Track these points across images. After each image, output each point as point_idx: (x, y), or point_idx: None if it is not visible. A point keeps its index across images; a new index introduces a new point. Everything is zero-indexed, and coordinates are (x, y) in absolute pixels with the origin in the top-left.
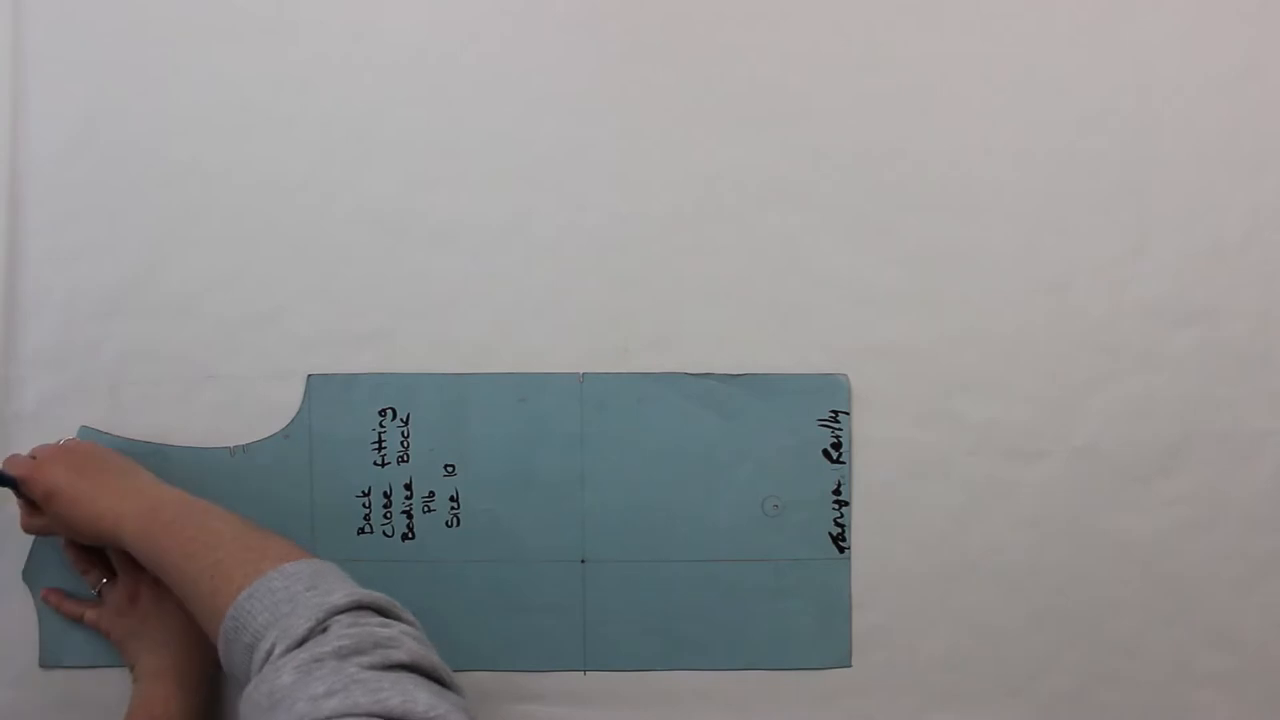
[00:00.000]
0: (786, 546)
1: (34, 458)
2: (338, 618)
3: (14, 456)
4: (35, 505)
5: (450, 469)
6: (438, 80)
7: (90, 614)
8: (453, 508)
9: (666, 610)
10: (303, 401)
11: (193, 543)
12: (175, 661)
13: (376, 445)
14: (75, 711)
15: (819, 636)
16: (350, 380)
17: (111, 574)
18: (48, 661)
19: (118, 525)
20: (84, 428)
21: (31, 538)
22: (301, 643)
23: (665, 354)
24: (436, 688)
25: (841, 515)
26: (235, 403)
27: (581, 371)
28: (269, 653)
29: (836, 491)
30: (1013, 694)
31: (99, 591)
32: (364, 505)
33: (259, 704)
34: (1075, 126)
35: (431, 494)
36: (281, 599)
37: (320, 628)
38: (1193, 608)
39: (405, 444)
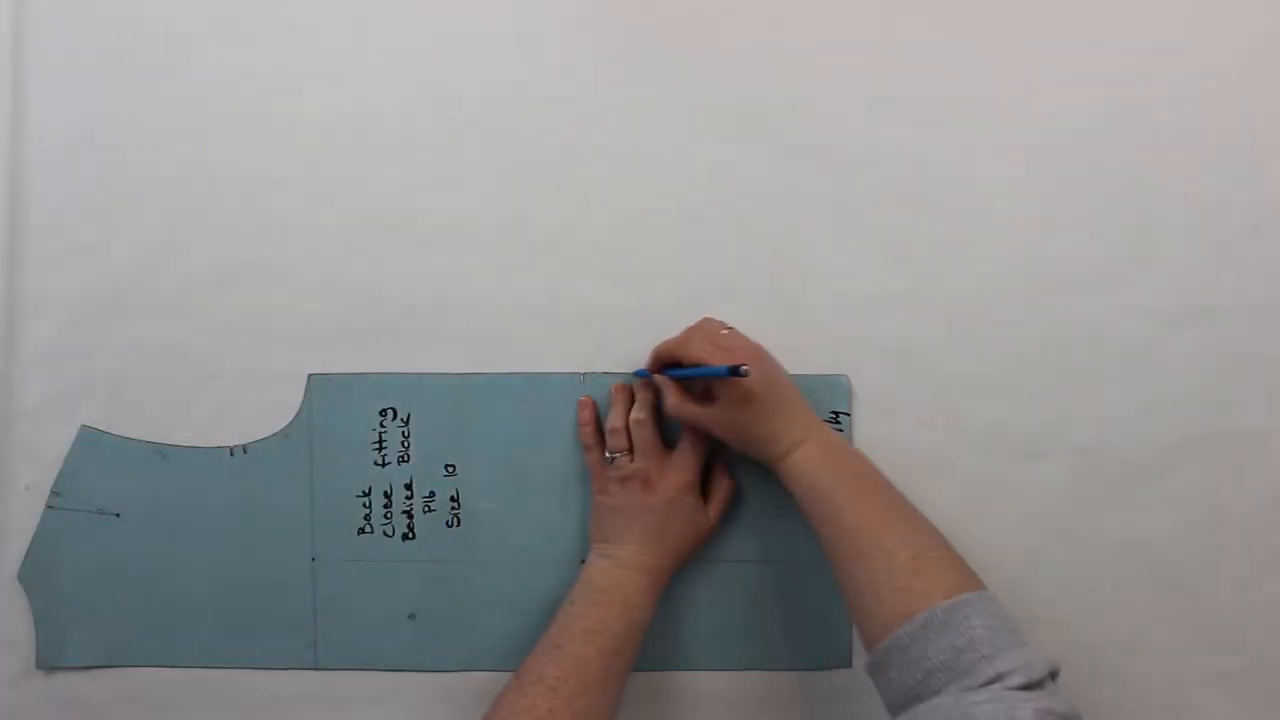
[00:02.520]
0: (786, 547)
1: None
2: (1053, 680)
3: (727, 333)
4: (704, 395)
5: (451, 469)
6: (438, 80)
7: (599, 464)
8: (453, 508)
9: (667, 610)
10: (303, 401)
11: (879, 502)
12: (659, 563)
13: (377, 445)
14: (71, 712)
15: (819, 636)
16: (350, 380)
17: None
18: (44, 662)
19: (791, 450)
20: (84, 427)
21: (29, 537)
22: (1035, 686)
23: None
24: None
25: None
26: (235, 403)
27: (581, 371)
28: (1000, 675)
29: None
30: None
31: (613, 459)
32: (364, 505)
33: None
34: (1075, 126)
35: (432, 494)
36: (1001, 627)
37: (1049, 681)
38: (1193, 608)
39: (406, 444)
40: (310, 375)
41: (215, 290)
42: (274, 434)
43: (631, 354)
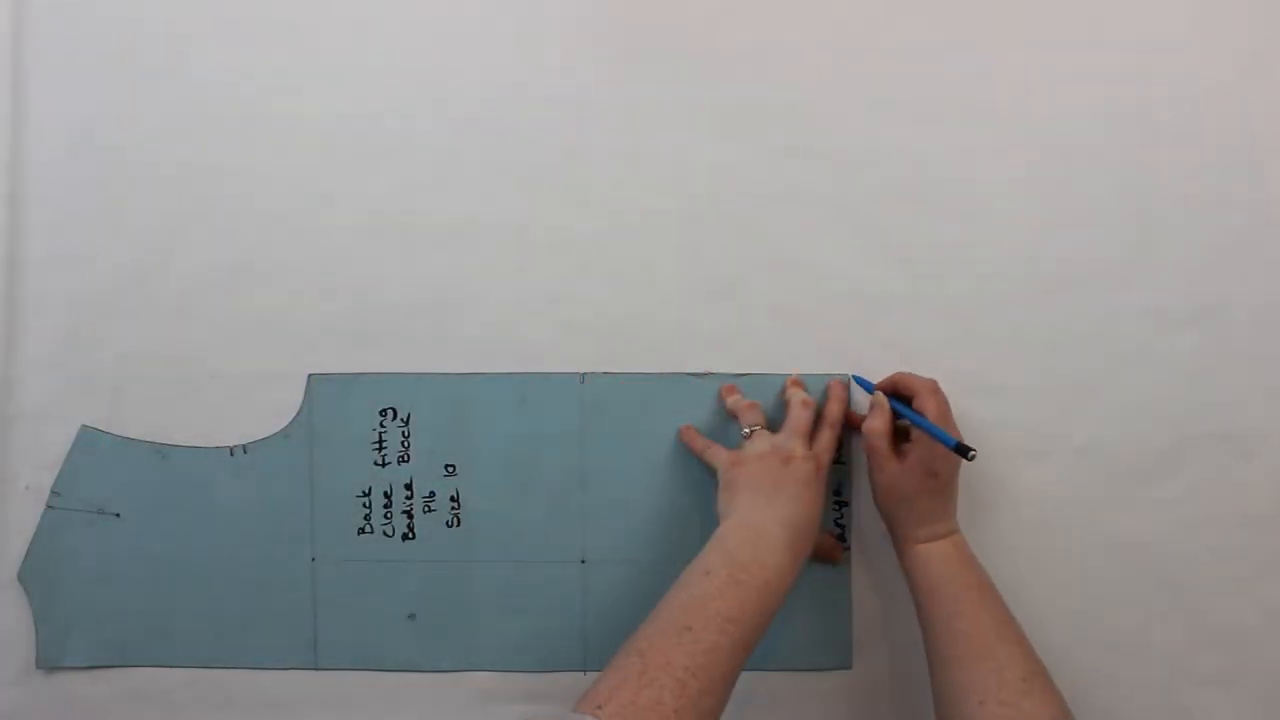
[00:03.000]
0: None
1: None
2: None
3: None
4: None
5: (451, 469)
6: (438, 80)
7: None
8: (453, 508)
9: None
10: (303, 401)
11: (998, 616)
12: (801, 544)
13: (377, 445)
14: (71, 712)
15: (819, 636)
16: (350, 380)
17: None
18: (44, 662)
19: (931, 539)
20: (84, 427)
21: (29, 537)
22: None
23: (665, 354)
24: None
25: (842, 516)
26: (235, 403)
27: (582, 371)
28: None
29: (837, 492)
30: None
31: (751, 431)
32: (364, 505)
33: None
34: (1075, 126)
35: (432, 494)
36: None
37: None
38: (1193, 608)
39: (406, 444)
40: (310, 375)
41: (215, 290)
42: (274, 434)
43: (631, 355)
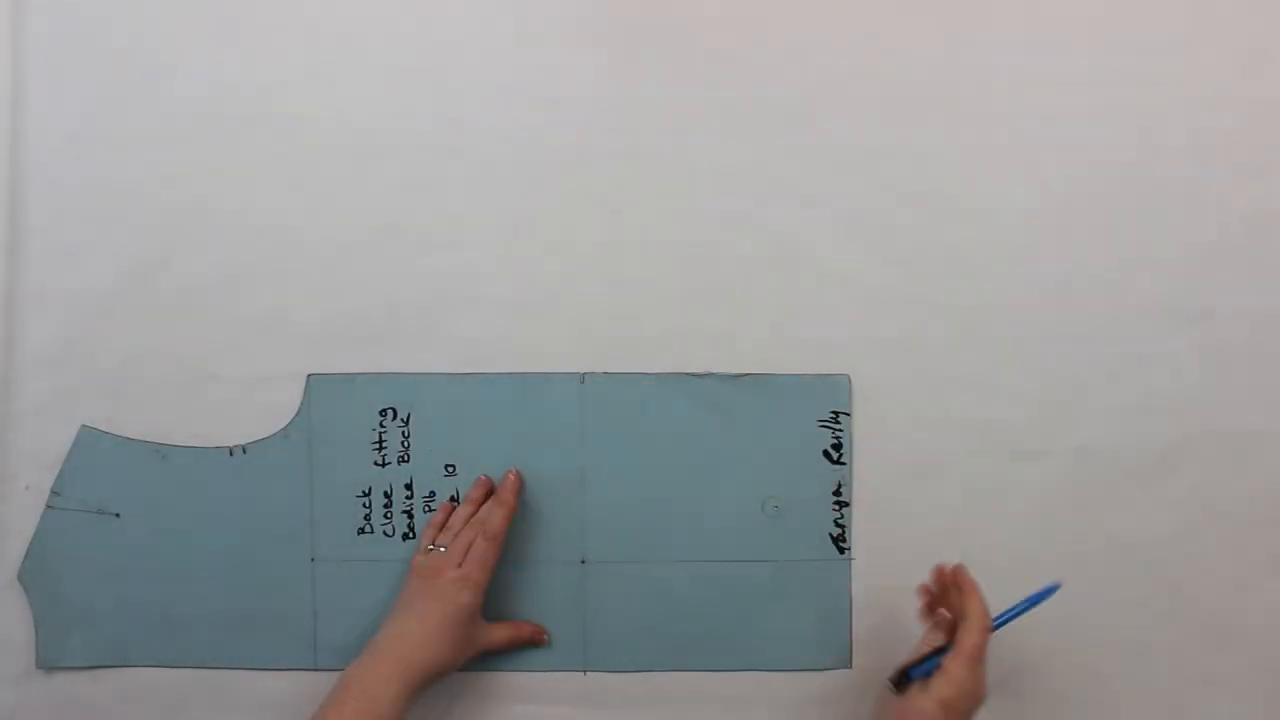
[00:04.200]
0: (786, 547)
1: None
2: None
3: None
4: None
5: (451, 469)
6: (438, 80)
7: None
8: (454, 508)
9: (666, 610)
10: (303, 401)
11: None
12: (413, 657)
13: (377, 445)
14: (71, 712)
15: (819, 637)
16: (350, 380)
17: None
18: (44, 662)
19: None
20: (84, 427)
21: (29, 537)
22: None
23: (665, 354)
24: None
25: (842, 516)
26: (235, 403)
27: (582, 371)
28: None
29: (837, 492)
30: (1013, 694)
31: (431, 550)
32: (364, 505)
33: None
34: (1075, 127)
35: (432, 494)
36: None
37: None
38: (1193, 608)
39: (406, 444)
40: (310, 375)
41: (215, 290)
42: (274, 434)
43: (631, 355)
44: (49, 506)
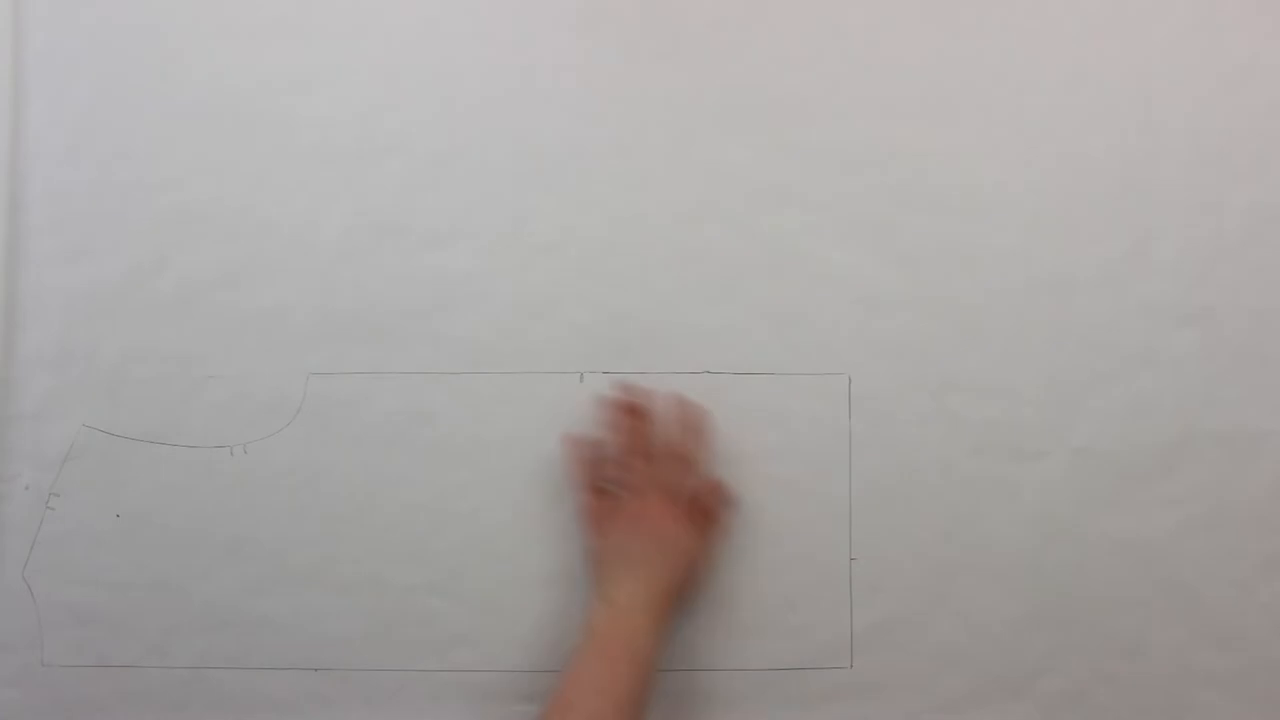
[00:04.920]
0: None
1: None
2: None
3: None
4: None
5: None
6: (438, 80)
7: (595, 501)
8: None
9: None
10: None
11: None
12: (657, 600)
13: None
14: (72, 712)
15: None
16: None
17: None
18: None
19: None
20: (84, 427)
21: (29, 537)
22: None
23: (665, 354)
24: None
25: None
26: (235, 403)
27: (581, 371)
28: None
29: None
30: (1013, 694)
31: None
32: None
33: None
34: (1075, 126)
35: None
36: None
37: None
38: (1193, 608)
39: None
40: (310, 375)
41: (215, 290)
42: (274, 434)
43: (631, 354)
44: (49, 507)
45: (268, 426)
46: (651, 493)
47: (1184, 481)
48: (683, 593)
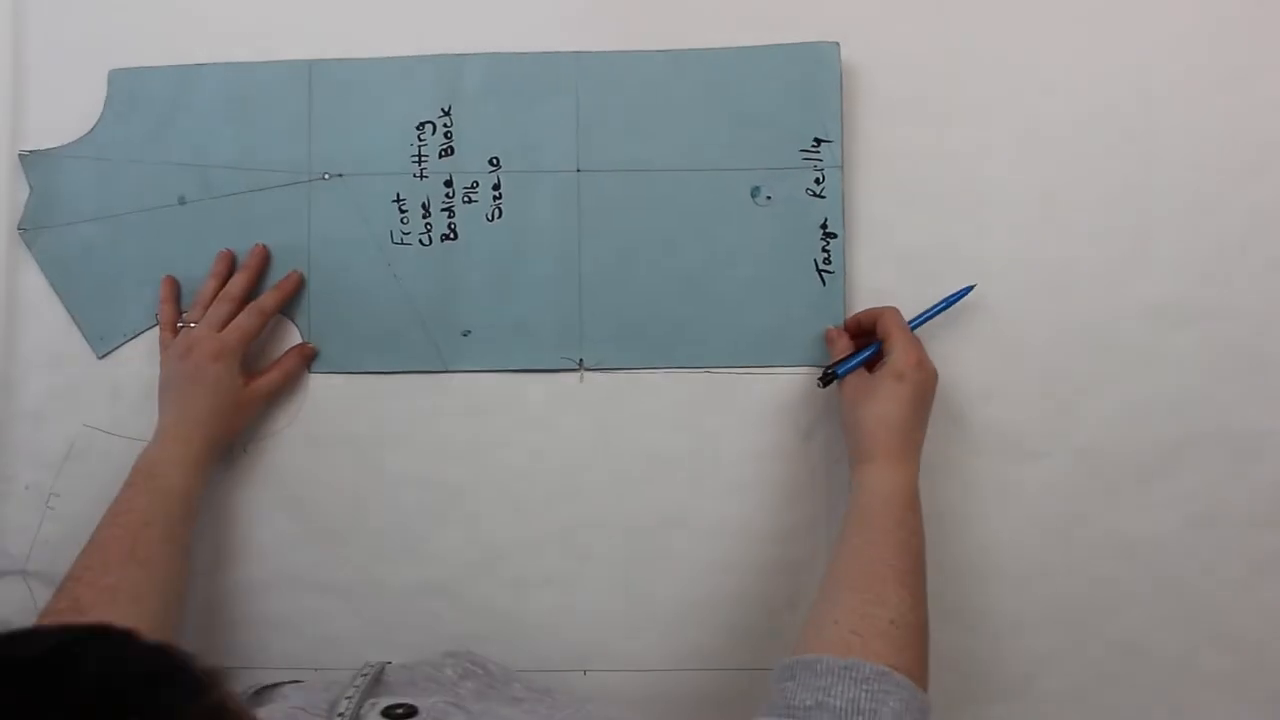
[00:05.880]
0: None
1: None
2: None
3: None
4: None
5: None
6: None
7: (167, 335)
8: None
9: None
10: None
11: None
12: (190, 430)
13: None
14: None
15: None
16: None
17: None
18: None
19: (874, 460)
20: (84, 427)
21: (29, 537)
22: None
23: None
24: None
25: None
26: None
27: (581, 371)
28: None
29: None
30: (1013, 694)
31: (182, 327)
32: None
33: None
34: (1075, 126)
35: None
36: None
37: None
38: (1193, 608)
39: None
40: (310, 375)
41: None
42: (274, 434)
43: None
44: (49, 507)
45: (268, 426)
46: (203, 329)
47: (1184, 481)
48: (223, 431)
